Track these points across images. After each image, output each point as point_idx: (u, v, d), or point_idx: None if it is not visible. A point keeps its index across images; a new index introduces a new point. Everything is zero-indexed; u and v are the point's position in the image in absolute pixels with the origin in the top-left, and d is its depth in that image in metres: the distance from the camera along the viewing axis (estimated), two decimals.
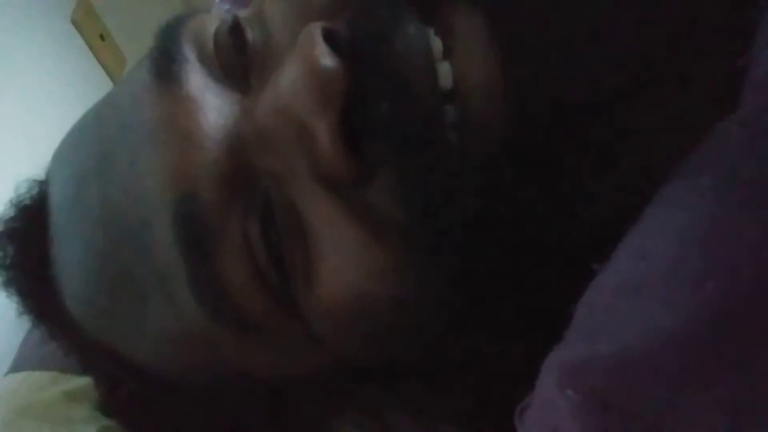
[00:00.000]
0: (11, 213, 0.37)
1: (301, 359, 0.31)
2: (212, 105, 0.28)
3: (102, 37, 1.10)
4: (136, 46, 1.12)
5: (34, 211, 0.36)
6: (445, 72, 0.25)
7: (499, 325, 0.26)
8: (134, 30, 1.12)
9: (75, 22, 1.06)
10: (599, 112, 0.23)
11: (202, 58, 0.30)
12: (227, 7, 0.58)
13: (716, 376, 0.20)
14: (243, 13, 0.31)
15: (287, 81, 0.26)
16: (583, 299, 0.23)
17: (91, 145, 0.32)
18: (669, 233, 0.22)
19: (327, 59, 0.25)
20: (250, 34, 0.29)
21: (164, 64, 0.29)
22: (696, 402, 0.20)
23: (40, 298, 0.35)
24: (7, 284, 0.36)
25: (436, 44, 0.25)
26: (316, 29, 0.26)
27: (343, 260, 0.27)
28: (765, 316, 0.19)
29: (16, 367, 0.53)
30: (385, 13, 0.25)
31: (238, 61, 0.29)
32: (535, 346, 0.23)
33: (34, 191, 0.37)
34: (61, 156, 0.35)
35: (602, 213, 0.24)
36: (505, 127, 0.24)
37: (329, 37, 0.26)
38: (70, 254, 0.32)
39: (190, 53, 0.30)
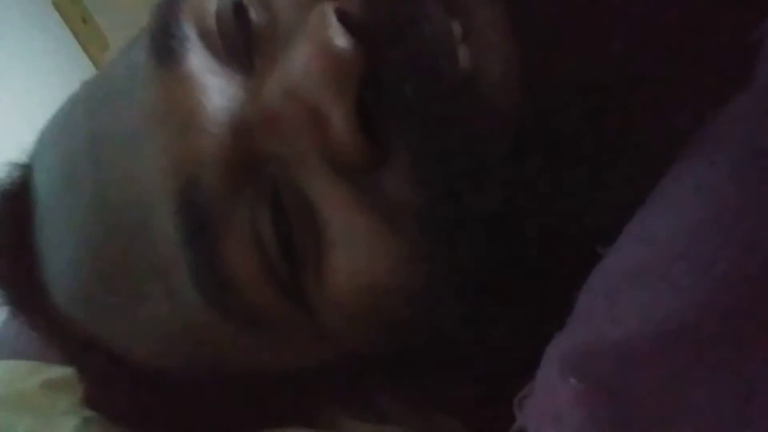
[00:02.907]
0: None
1: (306, 352, 0.30)
2: (214, 85, 0.27)
3: (84, 20, 1.09)
4: (119, 28, 1.11)
5: (15, 197, 0.34)
6: (463, 55, 0.24)
7: (510, 315, 0.26)
8: (116, 13, 1.11)
9: (56, 5, 1.05)
10: (617, 97, 0.23)
11: (203, 36, 0.28)
12: None
13: (726, 364, 0.19)
14: None
15: (299, 63, 0.25)
16: (587, 285, 0.23)
17: (82, 127, 0.30)
18: (679, 214, 0.21)
19: (342, 40, 0.24)
20: (254, 13, 0.28)
21: (162, 40, 0.28)
22: (704, 391, 0.19)
23: (21, 287, 0.34)
24: None
25: (456, 28, 0.24)
26: (328, 9, 0.25)
27: (354, 249, 0.26)
28: None
29: None
30: None
31: (242, 41, 0.28)
32: (537, 333, 0.23)
33: (15, 175, 0.35)
34: (47, 139, 0.34)
35: (616, 199, 0.23)
36: (522, 114, 0.23)
37: (342, 18, 0.25)
38: (57, 243, 0.31)
39: (190, 30, 0.28)
